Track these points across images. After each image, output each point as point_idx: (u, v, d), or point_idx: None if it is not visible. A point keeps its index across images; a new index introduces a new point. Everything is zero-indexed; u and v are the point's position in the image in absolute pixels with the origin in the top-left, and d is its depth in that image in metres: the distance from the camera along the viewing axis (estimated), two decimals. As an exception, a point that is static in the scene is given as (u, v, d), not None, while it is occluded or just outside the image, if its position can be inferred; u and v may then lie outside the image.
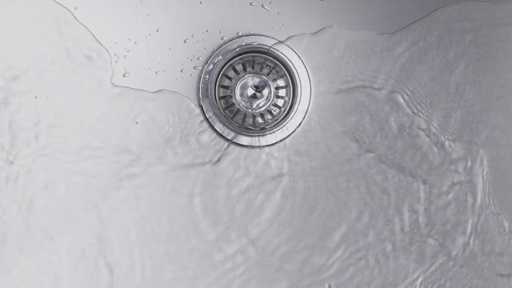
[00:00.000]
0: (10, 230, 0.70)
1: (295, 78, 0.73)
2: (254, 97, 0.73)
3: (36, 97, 0.70)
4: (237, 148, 0.72)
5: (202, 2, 0.72)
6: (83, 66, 0.71)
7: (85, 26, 0.71)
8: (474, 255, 0.71)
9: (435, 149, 0.72)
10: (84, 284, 0.70)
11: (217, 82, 0.73)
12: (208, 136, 0.72)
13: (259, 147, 0.72)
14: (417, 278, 0.71)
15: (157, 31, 0.71)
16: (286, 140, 0.72)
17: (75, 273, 0.70)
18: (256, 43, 0.72)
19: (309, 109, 0.72)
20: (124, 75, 0.71)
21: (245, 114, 0.74)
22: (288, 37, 0.72)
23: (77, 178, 0.70)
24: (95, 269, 0.70)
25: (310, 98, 0.72)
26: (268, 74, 0.74)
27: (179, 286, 0.71)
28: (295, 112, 0.72)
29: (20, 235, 0.70)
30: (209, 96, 0.72)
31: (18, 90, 0.70)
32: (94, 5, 0.71)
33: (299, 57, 0.72)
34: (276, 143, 0.72)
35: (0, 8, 0.70)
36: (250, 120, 0.74)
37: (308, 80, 0.72)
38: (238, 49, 0.72)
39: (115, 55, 0.71)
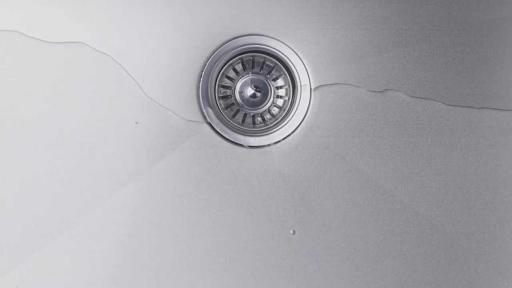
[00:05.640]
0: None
1: (295, 78, 0.73)
2: (254, 96, 0.74)
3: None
4: (237, 148, 0.72)
5: (202, 2, 0.72)
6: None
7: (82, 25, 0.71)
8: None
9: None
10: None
11: (217, 82, 0.73)
12: (208, 136, 0.72)
13: (258, 147, 0.72)
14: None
15: (157, 31, 0.71)
16: (286, 139, 0.72)
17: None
18: (256, 43, 0.72)
19: (309, 109, 0.72)
20: (124, 75, 0.71)
21: (245, 114, 0.74)
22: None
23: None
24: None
25: (310, 98, 0.72)
26: (268, 74, 0.74)
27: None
28: (295, 112, 0.72)
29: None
30: (209, 96, 0.72)
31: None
32: (92, 4, 0.71)
33: (299, 57, 0.72)
34: (276, 143, 0.72)
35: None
36: (250, 120, 0.74)
37: (308, 80, 0.72)
38: (238, 49, 0.72)
39: (116, 54, 0.71)
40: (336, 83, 0.72)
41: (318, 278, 0.71)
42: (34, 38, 0.71)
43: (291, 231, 0.71)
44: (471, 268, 0.72)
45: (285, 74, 0.74)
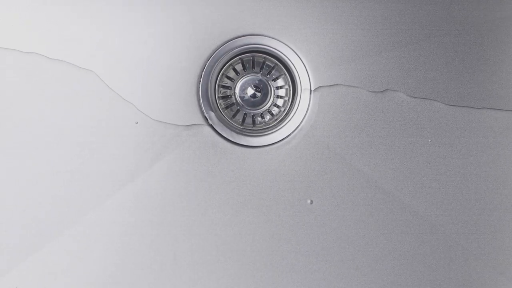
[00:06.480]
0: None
1: (295, 78, 0.73)
2: (254, 97, 0.74)
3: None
4: (237, 148, 0.72)
5: (202, 2, 0.72)
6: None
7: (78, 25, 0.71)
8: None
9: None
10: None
11: (217, 82, 0.73)
12: (208, 136, 0.72)
13: (258, 147, 0.72)
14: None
15: (157, 31, 0.71)
16: (286, 140, 0.72)
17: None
18: (256, 43, 0.72)
19: (309, 108, 0.72)
20: (124, 75, 0.71)
21: (245, 114, 0.74)
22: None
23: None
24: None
25: (310, 98, 0.72)
26: (268, 74, 0.74)
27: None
28: (295, 112, 0.72)
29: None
30: (209, 96, 0.72)
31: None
32: (92, 4, 0.71)
33: (299, 57, 0.72)
34: (276, 143, 0.72)
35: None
36: (250, 120, 0.74)
37: (308, 80, 0.72)
38: (238, 49, 0.72)
39: (116, 54, 0.71)
40: (336, 83, 0.72)
41: (318, 278, 0.71)
42: (34, 38, 0.71)
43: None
44: (471, 268, 0.72)
45: (285, 74, 0.74)
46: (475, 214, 0.72)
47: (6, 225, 0.70)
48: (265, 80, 0.74)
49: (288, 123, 0.73)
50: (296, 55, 0.72)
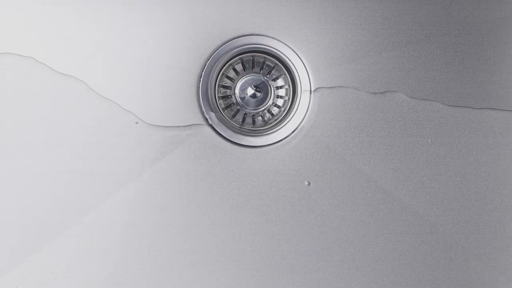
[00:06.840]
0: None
1: (295, 78, 0.73)
2: (254, 96, 0.74)
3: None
4: (237, 148, 0.72)
5: (202, 2, 0.72)
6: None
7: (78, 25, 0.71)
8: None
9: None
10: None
11: (217, 82, 0.73)
12: (208, 136, 0.72)
13: (258, 147, 0.72)
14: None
15: (157, 31, 0.71)
16: (286, 140, 0.72)
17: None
18: (256, 43, 0.72)
19: (309, 108, 0.72)
20: (124, 75, 0.71)
21: (245, 114, 0.74)
22: (290, 37, 0.72)
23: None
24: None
25: (310, 97, 0.72)
26: (268, 74, 0.74)
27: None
28: (295, 112, 0.72)
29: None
30: (209, 96, 0.72)
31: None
32: (92, 4, 0.71)
33: (299, 57, 0.72)
34: (275, 143, 0.72)
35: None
36: (250, 120, 0.74)
37: (308, 80, 0.72)
38: (238, 49, 0.72)
39: (115, 54, 0.71)
40: (336, 83, 0.72)
41: (318, 278, 0.71)
42: (34, 38, 0.71)
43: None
44: (471, 268, 0.72)
45: (285, 74, 0.74)
46: (475, 214, 0.72)
47: (6, 225, 0.70)
48: (265, 80, 0.74)
49: (288, 123, 0.73)
50: (296, 55, 0.72)
